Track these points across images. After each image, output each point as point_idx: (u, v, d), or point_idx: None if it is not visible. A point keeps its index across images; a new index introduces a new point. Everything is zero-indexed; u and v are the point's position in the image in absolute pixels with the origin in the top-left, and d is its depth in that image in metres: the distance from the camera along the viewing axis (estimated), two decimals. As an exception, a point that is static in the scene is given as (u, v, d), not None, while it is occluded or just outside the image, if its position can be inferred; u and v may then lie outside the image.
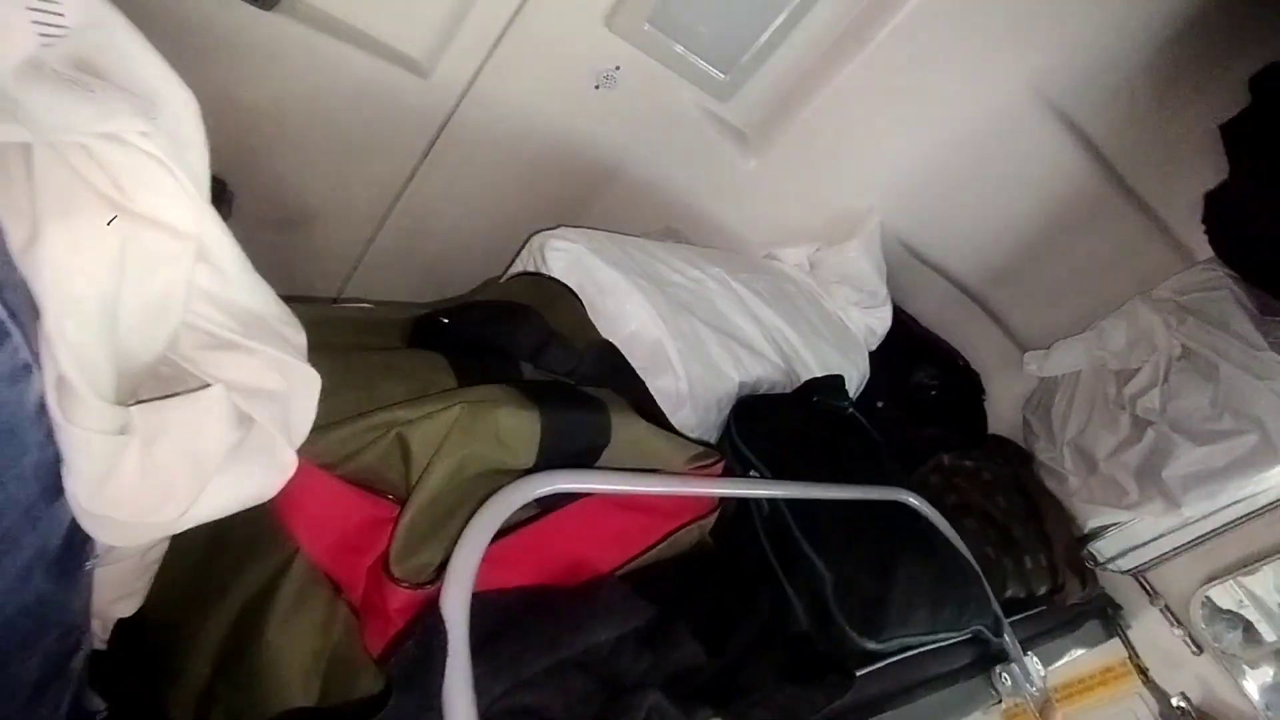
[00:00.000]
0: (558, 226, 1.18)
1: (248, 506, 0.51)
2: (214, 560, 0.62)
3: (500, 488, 0.62)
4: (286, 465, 0.53)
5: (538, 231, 1.16)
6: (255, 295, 0.54)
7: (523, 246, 1.18)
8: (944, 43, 1.29)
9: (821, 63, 1.36)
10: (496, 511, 0.59)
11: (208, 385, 0.52)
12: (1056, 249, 1.59)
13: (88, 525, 0.45)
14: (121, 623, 0.63)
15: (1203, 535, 1.49)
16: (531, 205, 1.52)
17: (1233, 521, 1.45)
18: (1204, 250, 1.43)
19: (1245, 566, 1.50)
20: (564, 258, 1.07)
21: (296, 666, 0.58)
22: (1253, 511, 1.42)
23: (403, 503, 0.61)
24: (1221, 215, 1.27)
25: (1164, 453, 1.36)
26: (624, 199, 1.55)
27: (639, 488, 0.71)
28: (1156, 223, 1.50)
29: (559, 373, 0.80)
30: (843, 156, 1.48)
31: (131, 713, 0.62)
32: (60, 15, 0.29)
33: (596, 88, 1.29)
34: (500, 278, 1.23)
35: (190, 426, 0.49)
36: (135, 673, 0.63)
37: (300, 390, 0.56)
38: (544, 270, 1.07)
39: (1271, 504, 1.40)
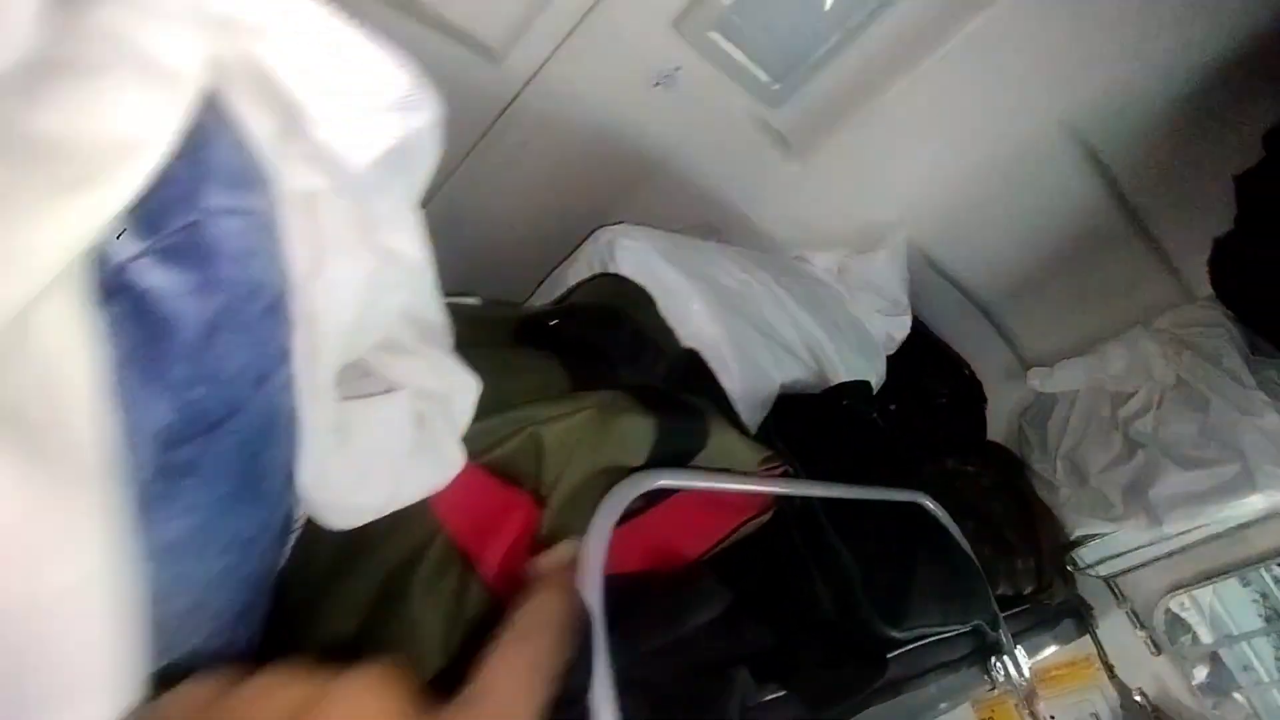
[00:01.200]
0: (619, 223, 1.24)
1: (425, 498, 0.59)
2: (360, 528, 0.69)
3: (617, 483, 0.70)
4: (456, 461, 0.60)
5: (602, 226, 1.22)
6: (434, 308, 0.60)
7: (585, 239, 1.23)
8: (986, 72, 1.37)
9: (870, 80, 1.42)
10: (618, 502, 0.67)
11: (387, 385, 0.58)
12: (1068, 274, 1.69)
13: (316, 510, 0.52)
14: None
15: (1172, 550, 1.62)
16: (574, 195, 1.56)
17: (1200, 540, 1.58)
18: (1205, 288, 1.53)
19: (1205, 580, 1.65)
20: (633, 257, 1.13)
21: (437, 632, 0.65)
22: (1219, 533, 1.55)
23: (533, 491, 0.68)
24: (1226, 260, 1.35)
25: (1151, 474, 1.47)
26: (664, 194, 1.60)
27: (729, 485, 0.80)
28: (1163, 258, 1.60)
29: (653, 376, 0.87)
30: (879, 170, 1.56)
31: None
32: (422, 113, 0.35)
33: (656, 85, 1.33)
34: (558, 267, 1.29)
35: (383, 424, 0.55)
36: (277, 623, 0.70)
37: (460, 391, 0.62)
38: (611, 267, 1.13)
39: (1235, 528, 1.53)
